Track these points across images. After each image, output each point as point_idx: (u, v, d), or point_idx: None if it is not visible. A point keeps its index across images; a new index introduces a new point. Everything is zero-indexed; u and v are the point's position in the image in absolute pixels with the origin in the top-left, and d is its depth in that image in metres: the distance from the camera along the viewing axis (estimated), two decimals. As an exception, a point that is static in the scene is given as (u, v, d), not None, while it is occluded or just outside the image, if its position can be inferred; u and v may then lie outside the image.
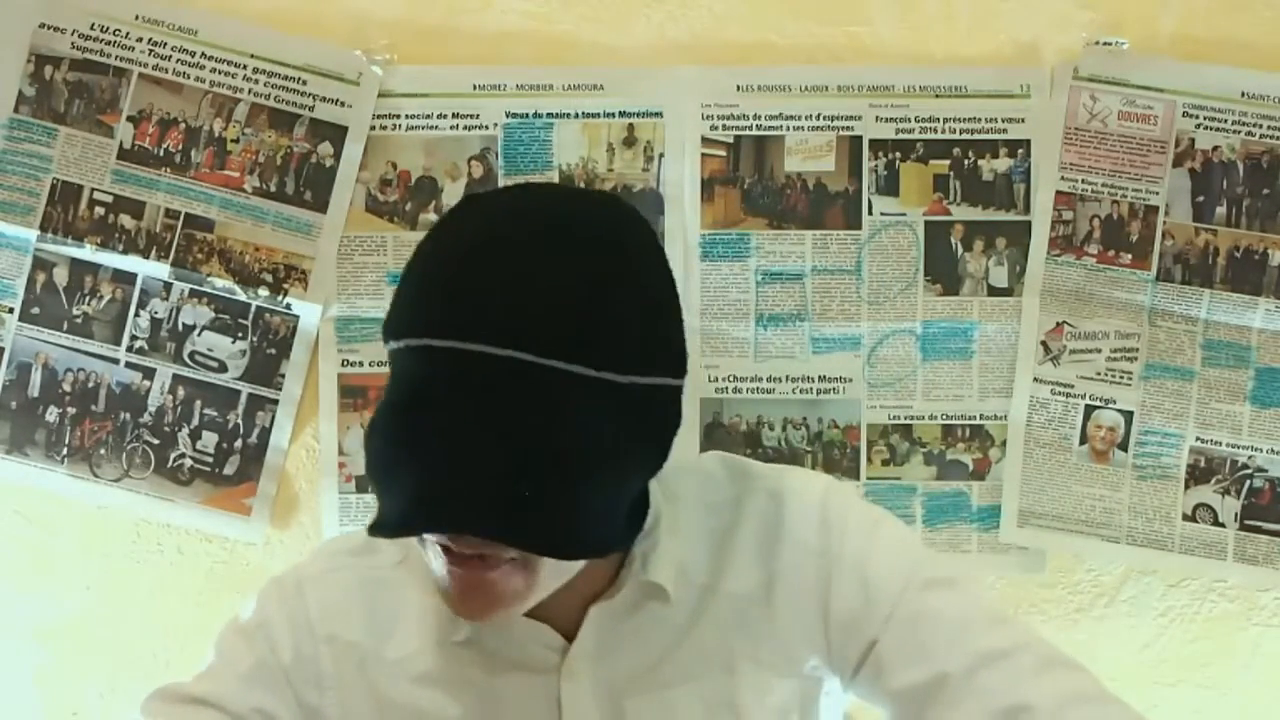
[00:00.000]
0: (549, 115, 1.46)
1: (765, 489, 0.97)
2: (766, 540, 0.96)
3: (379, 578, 0.98)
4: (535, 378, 0.76)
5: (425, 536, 0.83)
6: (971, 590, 0.95)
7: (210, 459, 1.47)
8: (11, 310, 1.46)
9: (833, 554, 0.94)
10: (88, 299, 1.46)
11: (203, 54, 1.44)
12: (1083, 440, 1.47)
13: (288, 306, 1.46)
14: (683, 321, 0.86)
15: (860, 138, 1.46)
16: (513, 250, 0.79)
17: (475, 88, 1.45)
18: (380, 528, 0.80)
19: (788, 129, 1.46)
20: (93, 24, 1.44)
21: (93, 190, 1.45)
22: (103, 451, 1.46)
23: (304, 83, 1.45)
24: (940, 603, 0.91)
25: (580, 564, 0.86)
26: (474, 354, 0.76)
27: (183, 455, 1.46)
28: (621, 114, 1.46)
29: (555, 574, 0.84)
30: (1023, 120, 1.46)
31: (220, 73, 1.45)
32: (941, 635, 0.89)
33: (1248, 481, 1.46)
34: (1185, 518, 1.47)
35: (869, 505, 0.99)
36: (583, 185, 1.45)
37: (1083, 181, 1.46)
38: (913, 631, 0.90)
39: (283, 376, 1.46)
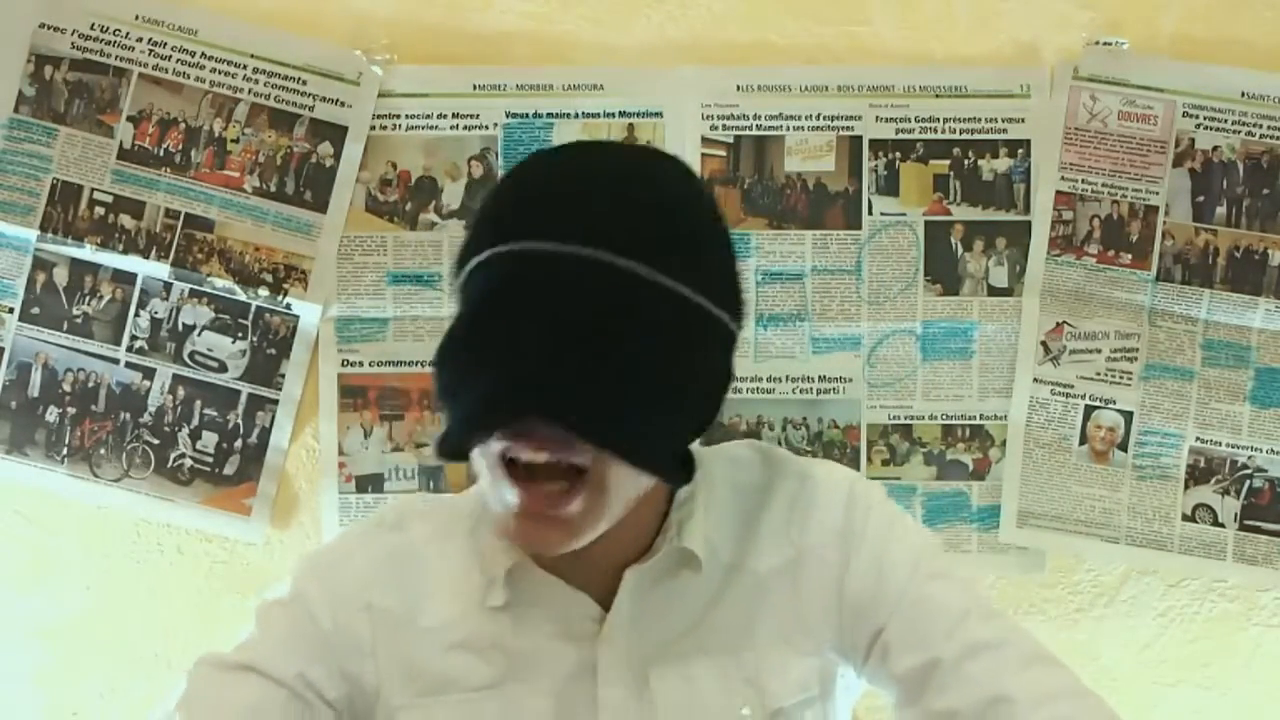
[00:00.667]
0: (549, 115, 1.46)
1: (795, 473, 1.01)
2: (794, 521, 0.99)
3: (411, 550, 1.00)
4: (618, 280, 0.80)
5: (496, 463, 0.84)
6: (971, 586, 0.98)
7: (210, 459, 1.47)
8: (11, 310, 1.46)
9: (854, 539, 0.98)
10: (88, 299, 1.46)
11: (203, 54, 1.44)
12: (1082, 440, 1.47)
13: (288, 306, 1.46)
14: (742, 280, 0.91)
15: (860, 138, 1.46)
16: (599, 172, 0.85)
17: (475, 88, 1.45)
18: (463, 423, 0.82)
19: (788, 129, 1.46)
20: (93, 24, 1.44)
21: (93, 190, 1.45)
22: (103, 451, 1.46)
23: (304, 83, 1.45)
24: (941, 593, 0.95)
25: (638, 492, 0.88)
26: (561, 254, 0.80)
27: (183, 455, 1.46)
28: (621, 114, 1.46)
29: (617, 502, 0.87)
30: (1023, 120, 1.46)
31: (220, 73, 1.45)
32: (939, 624, 0.93)
33: (1247, 481, 1.46)
34: (1185, 518, 1.47)
35: (891, 501, 1.03)
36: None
37: (1083, 181, 1.46)
38: (914, 619, 0.94)
39: (283, 376, 1.46)
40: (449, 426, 0.83)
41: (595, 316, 0.80)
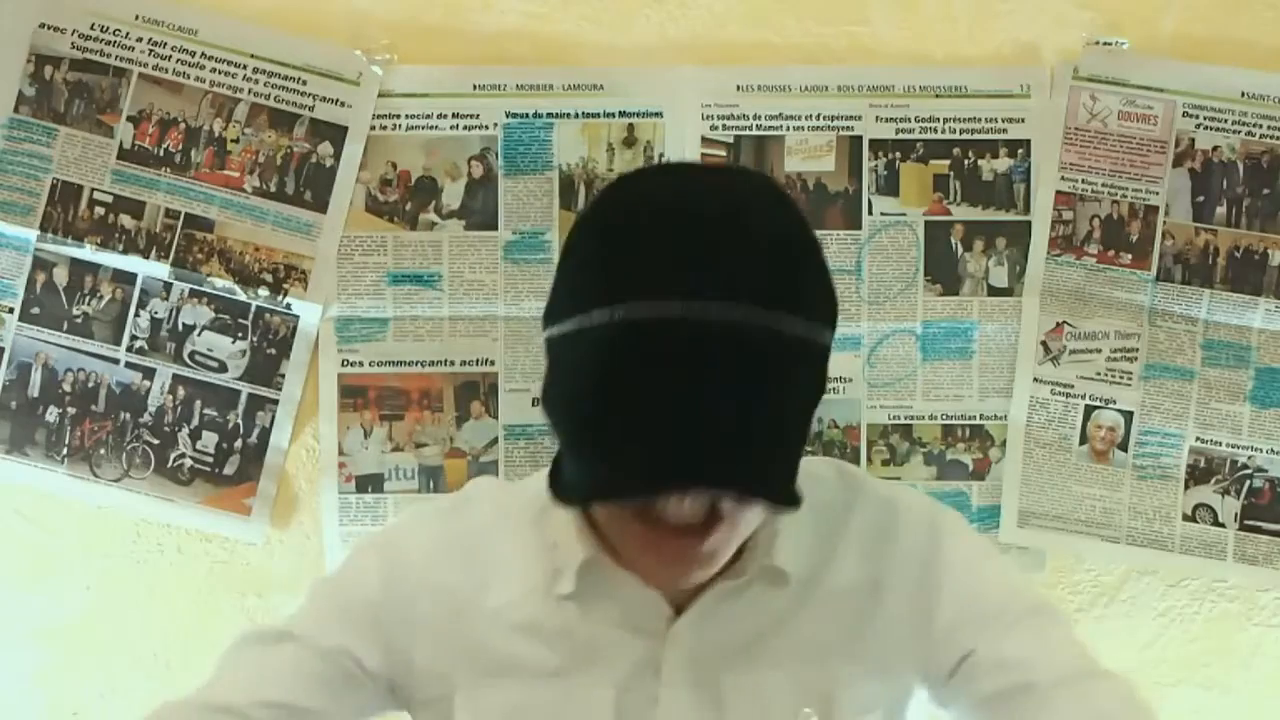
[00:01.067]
0: (549, 115, 1.46)
1: (877, 496, 1.03)
2: (875, 543, 1.00)
3: (477, 532, 1.00)
4: (763, 333, 0.80)
5: (624, 507, 0.84)
6: (1064, 620, 1.01)
7: (210, 459, 1.47)
8: (11, 310, 1.46)
9: (941, 565, 0.99)
10: (88, 299, 1.46)
11: (203, 54, 1.44)
12: (1083, 440, 1.47)
13: (288, 306, 1.46)
14: None
15: (860, 138, 1.46)
16: (709, 218, 0.83)
17: (475, 88, 1.45)
18: (620, 488, 0.82)
19: (788, 129, 1.46)
20: (93, 24, 1.44)
21: (93, 190, 1.45)
22: (103, 451, 1.46)
23: (304, 83, 1.45)
24: (1037, 623, 0.97)
25: (759, 520, 0.89)
26: (709, 319, 0.79)
27: (183, 455, 1.46)
28: (621, 114, 1.46)
29: (746, 534, 0.89)
30: (1023, 120, 1.46)
31: (220, 73, 1.45)
32: (1033, 651, 0.95)
33: (1247, 481, 1.46)
34: (1185, 518, 1.47)
35: (973, 530, 1.06)
36: (583, 185, 1.45)
37: (1083, 181, 1.46)
38: (1006, 646, 0.96)
39: (283, 376, 1.46)
40: (619, 480, 0.82)
41: (755, 385, 0.80)
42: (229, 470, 1.47)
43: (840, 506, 1.01)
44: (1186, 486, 1.47)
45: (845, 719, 0.97)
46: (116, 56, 1.45)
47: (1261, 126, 1.44)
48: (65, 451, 1.46)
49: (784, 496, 0.84)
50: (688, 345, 0.79)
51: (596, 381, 0.81)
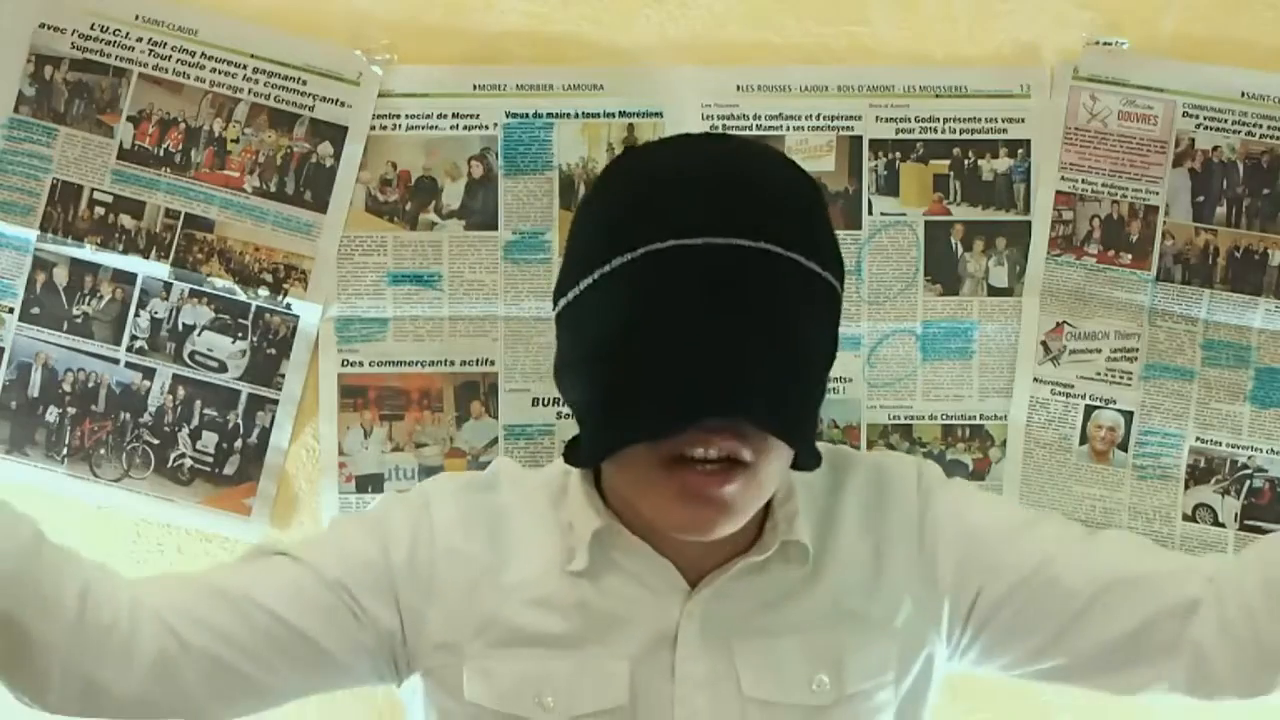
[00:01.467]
0: (549, 115, 1.46)
1: (864, 466, 1.06)
2: (870, 510, 1.03)
3: (501, 510, 1.02)
4: (783, 271, 0.82)
5: (659, 446, 0.85)
6: (1053, 517, 1.09)
7: (210, 459, 1.47)
8: (11, 310, 1.46)
9: (932, 519, 1.02)
10: (88, 299, 1.46)
11: (203, 54, 1.44)
12: (1083, 440, 1.47)
13: (288, 306, 1.46)
14: None
15: (860, 138, 1.46)
16: (719, 161, 0.86)
17: (475, 88, 1.45)
18: (655, 424, 0.83)
19: (788, 129, 1.46)
20: (93, 24, 1.44)
21: (93, 190, 1.45)
22: (103, 451, 1.46)
23: (304, 83, 1.45)
24: (1030, 534, 1.03)
25: (777, 482, 0.92)
26: (729, 248, 0.80)
27: (183, 455, 1.46)
28: (621, 114, 1.46)
29: (769, 487, 0.91)
30: (1023, 120, 1.46)
31: (220, 73, 1.45)
32: (1036, 554, 1.00)
33: (1248, 481, 1.46)
34: (1185, 518, 1.47)
35: (956, 478, 1.11)
36: (583, 185, 1.45)
37: (1083, 181, 1.46)
38: (1011, 567, 1.01)
39: (283, 376, 1.46)
40: (638, 420, 0.83)
41: (782, 312, 0.82)
42: (229, 470, 1.47)
43: (833, 485, 1.04)
44: (1186, 486, 1.47)
45: (857, 682, 0.99)
46: (116, 56, 1.45)
47: (1261, 126, 1.44)
48: (65, 451, 1.46)
49: (809, 448, 0.88)
50: (717, 271, 0.80)
51: (622, 320, 0.83)
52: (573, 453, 0.95)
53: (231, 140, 1.45)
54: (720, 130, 1.45)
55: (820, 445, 1.06)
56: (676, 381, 0.81)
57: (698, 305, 0.80)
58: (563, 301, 0.90)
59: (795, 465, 0.92)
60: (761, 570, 0.98)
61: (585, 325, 0.87)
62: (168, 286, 1.46)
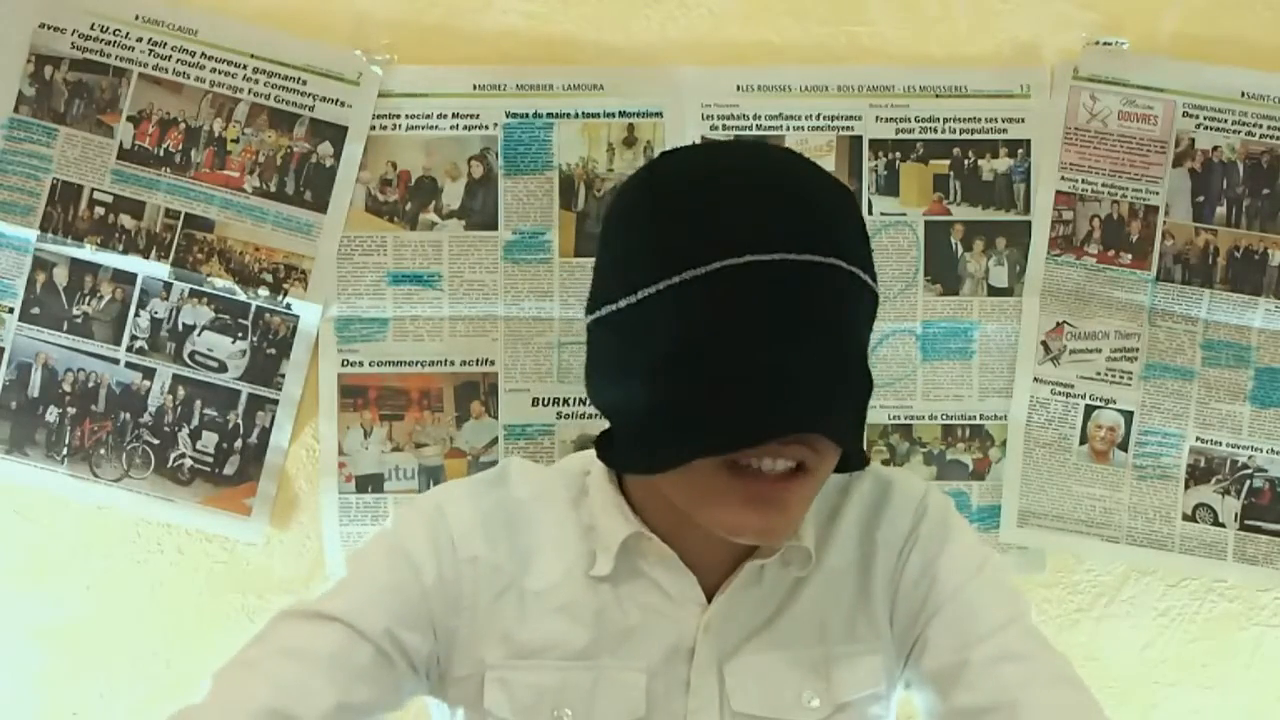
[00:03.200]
0: (549, 115, 1.46)
1: (874, 477, 1.04)
2: (868, 521, 1.02)
3: (516, 508, 1.00)
4: (847, 285, 0.83)
5: (728, 460, 0.85)
6: (1017, 601, 1.01)
7: (210, 459, 1.47)
8: (11, 310, 1.46)
9: (913, 542, 1.01)
10: (88, 299, 1.46)
11: (203, 54, 1.44)
12: (1083, 440, 1.47)
13: (288, 306, 1.46)
14: None
15: (860, 138, 1.46)
16: (775, 174, 0.86)
17: (475, 88, 1.45)
18: (734, 436, 0.82)
19: (788, 129, 1.46)
20: (93, 24, 1.44)
21: (93, 190, 1.45)
22: (103, 451, 1.46)
23: (304, 83, 1.45)
24: (986, 602, 0.98)
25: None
26: (804, 264, 0.81)
27: (183, 455, 1.46)
28: (621, 114, 1.46)
29: (820, 490, 0.91)
30: (1023, 120, 1.46)
31: (220, 73, 1.45)
32: (978, 629, 0.96)
33: (1248, 481, 1.46)
34: (1185, 518, 1.47)
35: (958, 514, 1.06)
36: (583, 185, 1.45)
37: (1083, 181, 1.46)
38: (956, 622, 0.97)
39: (283, 376, 1.46)
40: (721, 433, 0.82)
41: (848, 327, 0.84)
42: (229, 470, 1.47)
43: (840, 490, 1.03)
44: (1186, 486, 1.47)
45: (846, 696, 0.99)
46: (116, 56, 1.45)
47: (1261, 126, 1.44)
48: (65, 451, 1.46)
49: (862, 454, 0.89)
50: (791, 286, 0.80)
51: (700, 334, 0.82)
52: (619, 456, 0.93)
53: (231, 140, 1.45)
54: (719, 129, 1.45)
55: None
56: (756, 397, 0.81)
57: (777, 321, 0.80)
58: (610, 308, 0.88)
59: (843, 467, 0.92)
60: (764, 576, 0.98)
61: (647, 335, 0.85)
62: (168, 286, 1.46)
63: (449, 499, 1.00)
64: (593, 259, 0.95)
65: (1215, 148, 1.45)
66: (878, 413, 1.47)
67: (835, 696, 0.98)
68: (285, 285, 1.45)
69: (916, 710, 1.03)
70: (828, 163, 1.45)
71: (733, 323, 0.81)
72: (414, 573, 0.95)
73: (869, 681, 1.00)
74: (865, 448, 0.90)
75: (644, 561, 0.96)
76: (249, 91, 1.45)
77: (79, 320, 1.46)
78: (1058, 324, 1.47)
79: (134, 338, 1.46)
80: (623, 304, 0.86)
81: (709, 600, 0.97)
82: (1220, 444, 1.46)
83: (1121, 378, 1.46)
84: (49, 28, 1.44)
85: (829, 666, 0.99)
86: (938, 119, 1.46)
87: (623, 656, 0.96)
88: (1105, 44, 1.44)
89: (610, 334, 0.89)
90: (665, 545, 0.95)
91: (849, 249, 0.84)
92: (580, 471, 1.01)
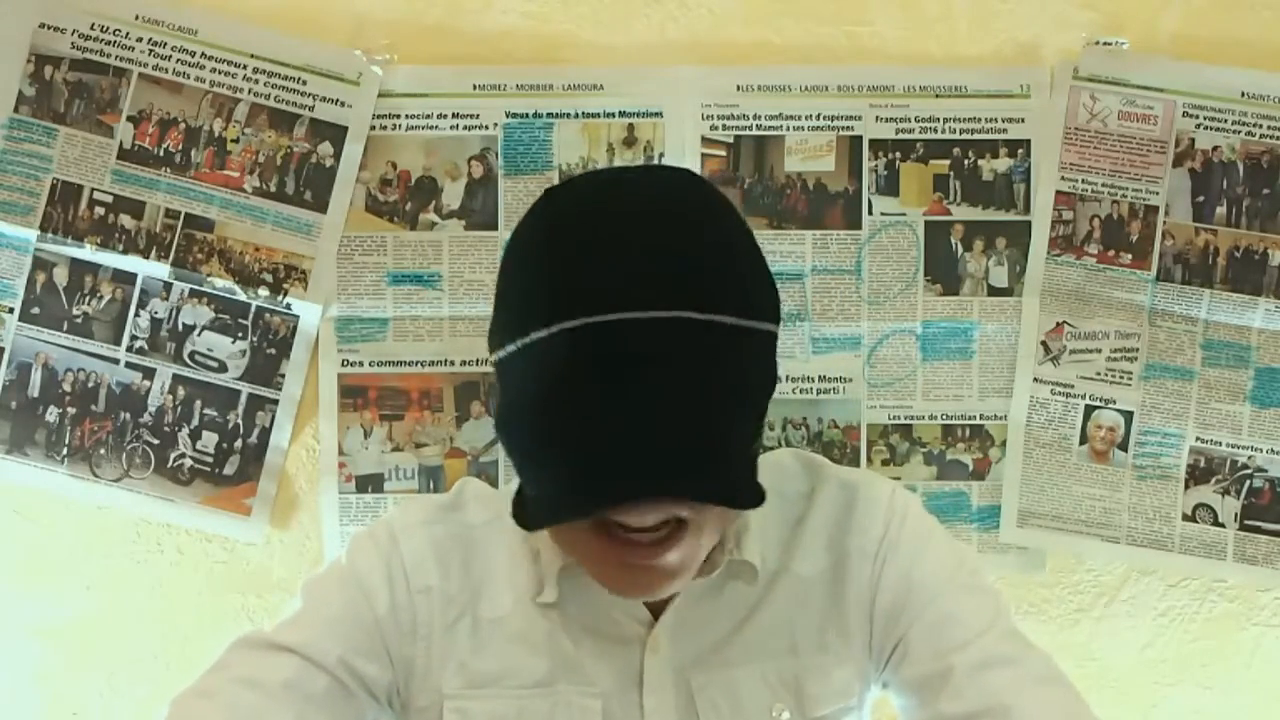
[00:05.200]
0: (549, 115, 1.46)
1: (839, 482, 1.03)
2: (837, 529, 1.00)
3: (470, 535, 0.99)
4: (703, 335, 0.79)
5: (592, 524, 0.83)
6: (997, 602, 0.99)
7: (210, 459, 1.47)
8: (11, 310, 1.46)
9: (889, 547, 0.99)
10: (88, 299, 1.46)
11: (203, 54, 1.44)
12: (1083, 440, 1.47)
13: (288, 306, 1.46)
14: None
15: (860, 138, 1.46)
16: (638, 223, 0.81)
17: (475, 88, 1.45)
18: (570, 507, 0.80)
19: (788, 129, 1.46)
20: (93, 24, 1.44)
21: (93, 190, 1.45)
22: (103, 451, 1.46)
23: (304, 83, 1.45)
24: (965, 606, 0.96)
25: (724, 524, 0.89)
26: (645, 322, 0.77)
27: (183, 455, 1.46)
28: (621, 114, 1.46)
29: (710, 540, 0.88)
30: (1023, 120, 1.46)
31: (220, 73, 1.45)
32: (958, 635, 0.94)
33: (1248, 481, 1.46)
34: (1185, 518, 1.47)
35: (928, 514, 1.04)
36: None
37: (1083, 181, 1.46)
38: (936, 628, 0.96)
39: (283, 376, 1.46)
40: (561, 501, 0.80)
41: (699, 384, 0.79)
42: (229, 470, 1.47)
43: (803, 495, 1.02)
44: (1186, 486, 1.47)
45: (818, 709, 0.98)
46: (116, 56, 1.45)
47: (1261, 126, 1.44)
48: (65, 451, 1.46)
49: (744, 497, 0.82)
50: (627, 351, 0.77)
51: (539, 399, 0.80)
52: (517, 508, 0.90)
53: (231, 140, 1.45)
54: (719, 129, 1.45)
55: (796, 453, 1.05)
56: (592, 464, 0.78)
57: (612, 384, 0.77)
58: (495, 356, 0.87)
59: (745, 506, 0.87)
60: (718, 592, 0.97)
61: (510, 390, 0.84)
62: (168, 286, 1.46)
63: (403, 528, 0.99)
64: None
65: (1215, 148, 1.45)
66: (878, 412, 1.47)
67: (807, 710, 0.97)
68: (285, 285, 1.45)
69: (896, 711, 1.02)
70: (827, 163, 1.46)
71: (570, 386, 0.78)
72: (367, 603, 0.95)
73: (841, 693, 0.99)
74: (754, 487, 0.84)
75: (584, 589, 0.94)
76: (249, 91, 1.45)
77: (79, 320, 1.46)
78: (1058, 324, 1.47)
79: (134, 338, 1.46)
80: (500, 355, 0.85)
81: (657, 616, 0.96)
82: (1220, 444, 1.46)
83: (1121, 378, 1.46)
84: (49, 28, 1.44)
85: (799, 679, 0.97)
86: (938, 119, 1.46)
87: (577, 682, 0.95)
88: (1105, 44, 1.44)
89: (498, 380, 0.88)
90: None
91: (712, 297, 0.79)
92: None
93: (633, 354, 0.77)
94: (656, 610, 0.96)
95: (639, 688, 0.95)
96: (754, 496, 0.83)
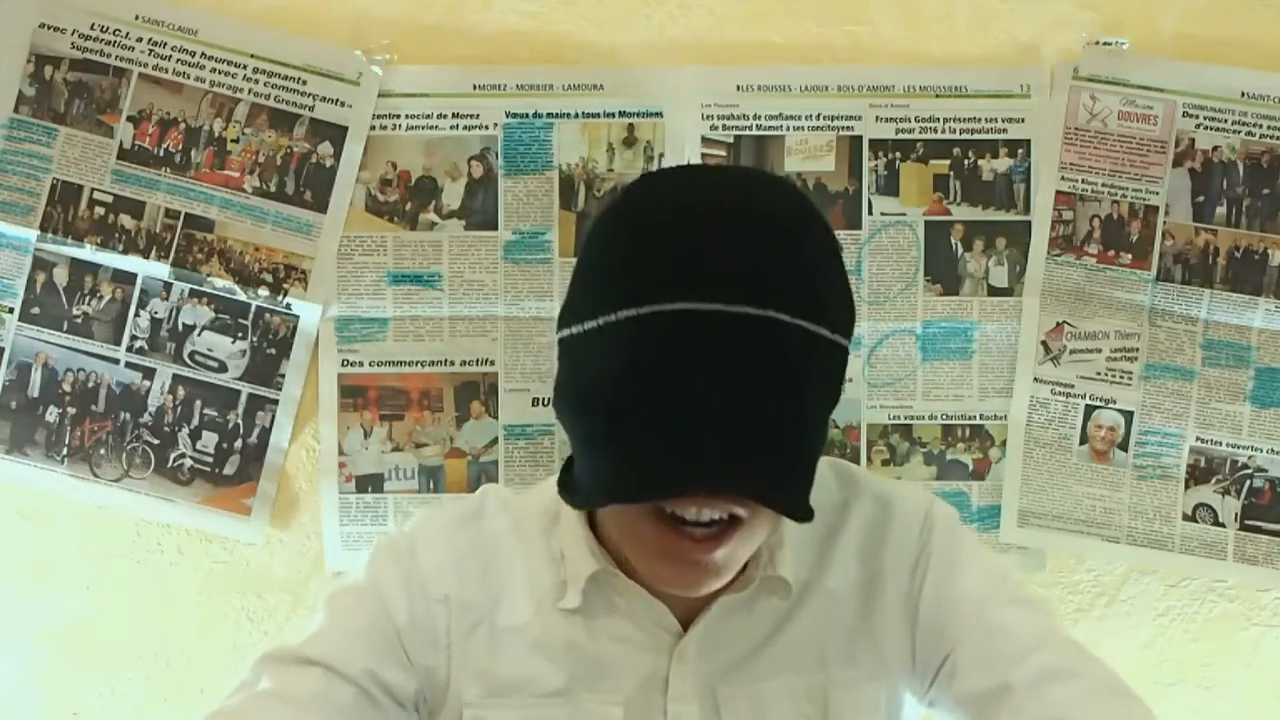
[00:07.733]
0: (549, 115, 1.46)
1: (874, 494, 1.02)
2: (870, 542, 0.99)
3: (490, 543, 0.99)
4: (788, 338, 0.79)
5: (647, 510, 0.83)
6: (1046, 612, 0.98)
7: (210, 459, 1.47)
8: (11, 310, 1.46)
9: (928, 563, 0.98)
10: (88, 299, 1.46)
11: (203, 54, 1.44)
12: (1083, 440, 1.47)
13: (288, 306, 1.46)
14: None
15: (860, 138, 1.46)
16: (741, 220, 0.82)
17: (475, 88, 1.45)
18: (640, 488, 0.80)
19: (788, 129, 1.46)
20: (93, 24, 1.44)
21: (93, 190, 1.45)
22: (103, 451, 1.46)
23: (304, 83, 1.45)
24: (1015, 619, 0.95)
25: (770, 530, 0.89)
26: (737, 316, 0.78)
27: (183, 455, 1.46)
28: (621, 114, 1.46)
29: (757, 543, 0.88)
30: (1023, 120, 1.46)
31: (220, 73, 1.45)
32: (1012, 649, 0.92)
33: (1248, 481, 1.46)
34: (1185, 518, 1.47)
35: (966, 526, 1.04)
36: (583, 185, 1.45)
37: (1083, 181, 1.46)
38: (986, 643, 0.94)
39: (283, 376, 1.46)
40: (624, 482, 0.81)
41: (785, 381, 0.79)
42: (229, 470, 1.47)
43: (838, 507, 1.01)
44: (1186, 486, 1.47)
45: None
46: (116, 56, 1.45)
47: (1261, 126, 1.44)
48: (65, 451, 1.46)
49: (803, 510, 0.83)
50: (721, 338, 0.78)
51: (621, 377, 0.80)
52: (566, 487, 0.91)
53: (231, 140, 1.45)
54: (719, 129, 1.45)
55: (832, 462, 1.04)
56: (671, 447, 0.78)
57: (700, 372, 0.78)
58: (565, 332, 0.87)
59: (794, 516, 0.88)
60: (749, 606, 0.96)
61: (584, 367, 0.84)
62: (168, 286, 1.46)
63: (424, 539, 0.99)
64: None
65: (1215, 148, 1.45)
66: (878, 412, 1.47)
67: None
68: (285, 285, 1.45)
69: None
70: (827, 163, 1.46)
71: (655, 368, 0.79)
72: (387, 614, 0.95)
73: (869, 708, 0.98)
74: (806, 504, 0.84)
75: (614, 593, 0.95)
76: (249, 91, 1.45)
77: (79, 320, 1.46)
78: (1058, 324, 1.47)
79: (134, 338, 1.46)
80: (575, 330, 0.85)
81: (686, 627, 0.95)
82: (1220, 444, 1.46)
83: (1121, 378, 1.46)
84: (49, 28, 1.44)
85: (826, 693, 0.97)
86: (938, 119, 1.46)
87: (598, 690, 0.95)
88: (1105, 44, 1.44)
89: (565, 356, 0.88)
90: (630, 580, 0.94)
91: (798, 302, 0.80)
92: (553, 497, 0.98)
93: (723, 346, 0.78)
94: (685, 621, 0.95)
95: (664, 695, 0.95)
96: (809, 510, 0.84)
